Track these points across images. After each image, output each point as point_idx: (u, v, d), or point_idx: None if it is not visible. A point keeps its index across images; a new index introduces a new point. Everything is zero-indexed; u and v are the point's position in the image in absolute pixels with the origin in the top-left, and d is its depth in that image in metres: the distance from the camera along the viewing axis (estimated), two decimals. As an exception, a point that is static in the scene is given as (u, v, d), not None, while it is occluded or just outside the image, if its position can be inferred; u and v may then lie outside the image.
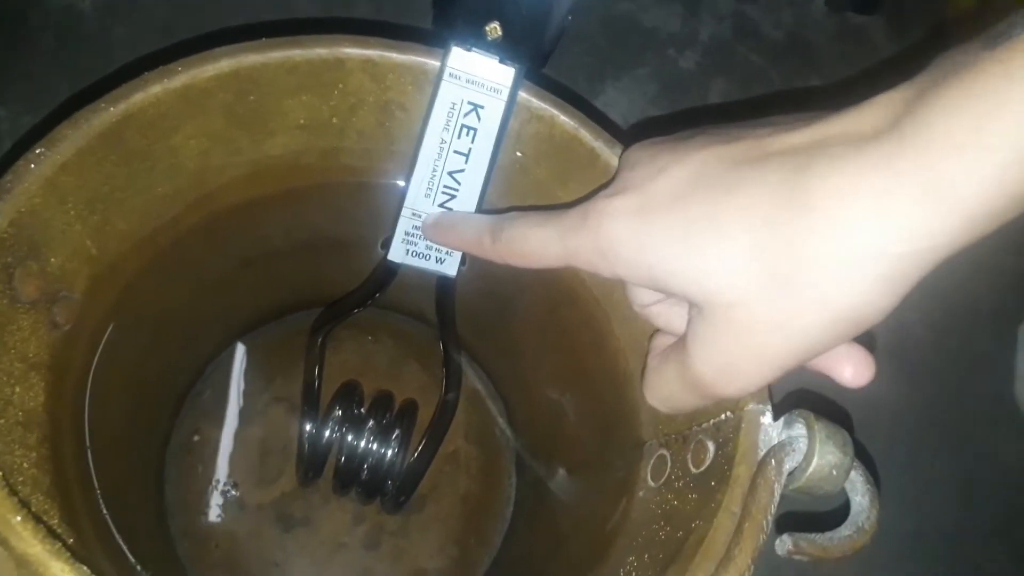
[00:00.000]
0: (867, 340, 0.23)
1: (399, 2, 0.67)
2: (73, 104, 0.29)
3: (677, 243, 0.22)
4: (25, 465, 0.27)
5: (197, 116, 0.32)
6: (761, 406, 0.29)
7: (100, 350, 0.34)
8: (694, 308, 0.23)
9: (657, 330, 0.30)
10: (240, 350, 0.47)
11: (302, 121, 0.35)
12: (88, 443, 0.33)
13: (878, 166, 0.18)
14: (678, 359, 0.24)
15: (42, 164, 0.28)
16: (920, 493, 0.57)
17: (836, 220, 0.18)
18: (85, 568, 0.22)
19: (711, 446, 0.30)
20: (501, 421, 0.49)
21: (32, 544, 0.22)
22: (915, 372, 0.60)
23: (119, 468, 0.37)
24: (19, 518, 0.22)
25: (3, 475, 0.23)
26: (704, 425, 0.31)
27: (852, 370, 0.24)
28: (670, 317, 0.28)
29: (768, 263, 0.20)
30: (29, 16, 0.62)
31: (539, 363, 0.43)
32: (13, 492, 0.23)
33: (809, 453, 0.27)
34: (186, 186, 0.34)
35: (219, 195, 0.36)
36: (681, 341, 0.24)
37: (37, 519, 0.23)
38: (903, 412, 0.58)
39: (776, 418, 0.28)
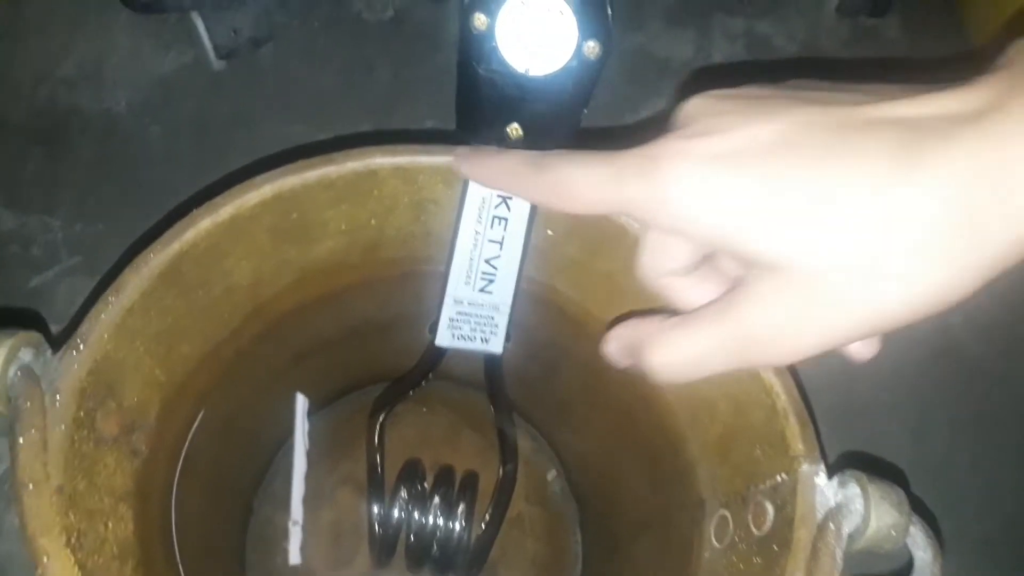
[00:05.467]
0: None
1: (418, 73, 0.69)
2: (126, 217, 0.30)
3: (770, 203, 0.20)
4: (126, 594, 0.29)
5: (245, 240, 0.34)
6: (815, 466, 0.29)
7: (178, 466, 0.36)
8: (762, 268, 0.21)
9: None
10: (302, 438, 0.49)
11: (343, 227, 0.36)
12: (177, 556, 0.35)
13: (992, 150, 0.18)
14: (719, 317, 0.22)
15: (111, 312, 0.30)
16: (985, 542, 0.55)
17: (957, 206, 0.18)
18: None
19: (770, 508, 0.31)
20: (559, 481, 0.50)
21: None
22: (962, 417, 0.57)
23: (205, 568, 0.39)
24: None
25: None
26: (761, 487, 0.31)
27: (860, 344, 0.23)
28: (691, 292, 0.25)
29: (871, 243, 0.19)
30: (69, 124, 0.65)
31: (589, 422, 0.44)
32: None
33: (866, 516, 0.28)
34: (241, 302, 0.36)
35: (272, 304, 0.38)
36: (722, 300, 0.22)
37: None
38: (956, 461, 0.55)
39: (829, 477, 0.29)
